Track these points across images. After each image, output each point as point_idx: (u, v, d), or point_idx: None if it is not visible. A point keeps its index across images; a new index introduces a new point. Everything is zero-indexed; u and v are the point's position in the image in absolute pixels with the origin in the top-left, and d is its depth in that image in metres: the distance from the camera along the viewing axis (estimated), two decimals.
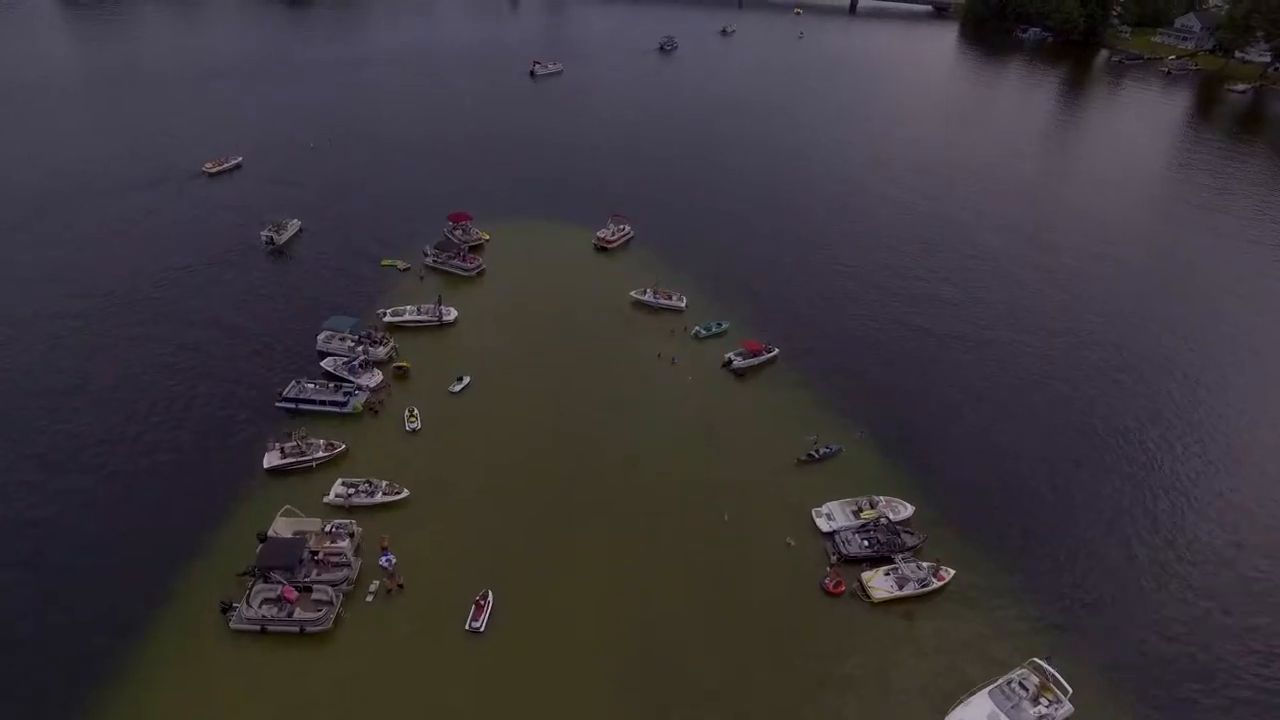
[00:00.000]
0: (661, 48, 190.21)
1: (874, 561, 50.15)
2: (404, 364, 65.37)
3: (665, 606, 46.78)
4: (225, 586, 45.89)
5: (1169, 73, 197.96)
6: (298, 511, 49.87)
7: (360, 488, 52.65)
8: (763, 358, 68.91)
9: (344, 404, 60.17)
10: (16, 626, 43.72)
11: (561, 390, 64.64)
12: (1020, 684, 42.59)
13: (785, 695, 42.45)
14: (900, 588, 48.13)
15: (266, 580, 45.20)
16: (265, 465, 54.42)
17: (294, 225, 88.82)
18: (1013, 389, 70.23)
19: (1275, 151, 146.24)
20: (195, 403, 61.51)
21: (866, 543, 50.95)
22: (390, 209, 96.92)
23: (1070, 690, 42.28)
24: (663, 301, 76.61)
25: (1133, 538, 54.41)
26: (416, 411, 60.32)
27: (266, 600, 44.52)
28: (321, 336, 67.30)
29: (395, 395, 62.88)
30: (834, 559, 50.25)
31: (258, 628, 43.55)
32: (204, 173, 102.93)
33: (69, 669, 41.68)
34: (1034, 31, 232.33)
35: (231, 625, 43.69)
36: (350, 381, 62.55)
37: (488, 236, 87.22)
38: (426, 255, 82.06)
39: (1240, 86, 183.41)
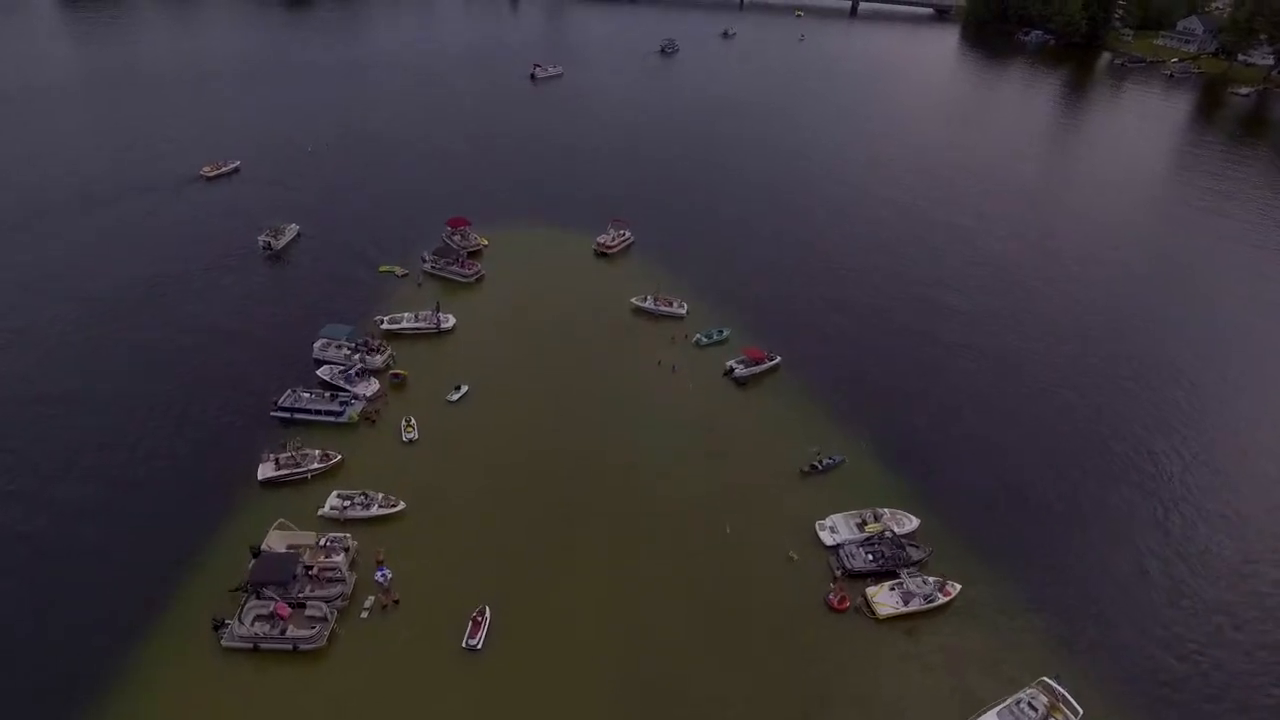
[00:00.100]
0: (662, 50, 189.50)
1: (878, 576, 49.21)
2: (401, 372, 64.48)
3: (666, 624, 45.83)
4: (217, 602, 44.95)
5: (1171, 76, 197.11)
6: (291, 525, 48.97)
7: (356, 500, 51.76)
8: (764, 366, 68.01)
9: (340, 413, 59.31)
10: (2, 642, 42.84)
11: (560, 400, 63.76)
12: (1029, 704, 41.63)
13: (789, 715, 41.48)
14: (906, 604, 47.18)
15: (259, 596, 44.27)
16: (259, 477, 53.53)
17: (292, 230, 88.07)
18: (1018, 396, 69.33)
19: (1279, 155, 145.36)
20: (190, 411, 60.75)
21: (871, 557, 50.03)
22: (389, 213, 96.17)
23: (1080, 711, 41.38)
24: (663, 308, 75.73)
25: (1143, 550, 53.48)
26: (414, 421, 59.42)
27: (259, 617, 43.60)
28: (318, 344, 66.42)
29: (392, 404, 62.01)
30: (838, 574, 49.30)
31: (250, 646, 42.62)
32: (202, 176, 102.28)
33: (55, 689, 40.73)
34: (1036, 34, 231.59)
35: (223, 643, 42.75)
36: (347, 391, 61.69)
37: (486, 242, 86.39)
38: (425, 261, 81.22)
39: (1244, 90, 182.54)
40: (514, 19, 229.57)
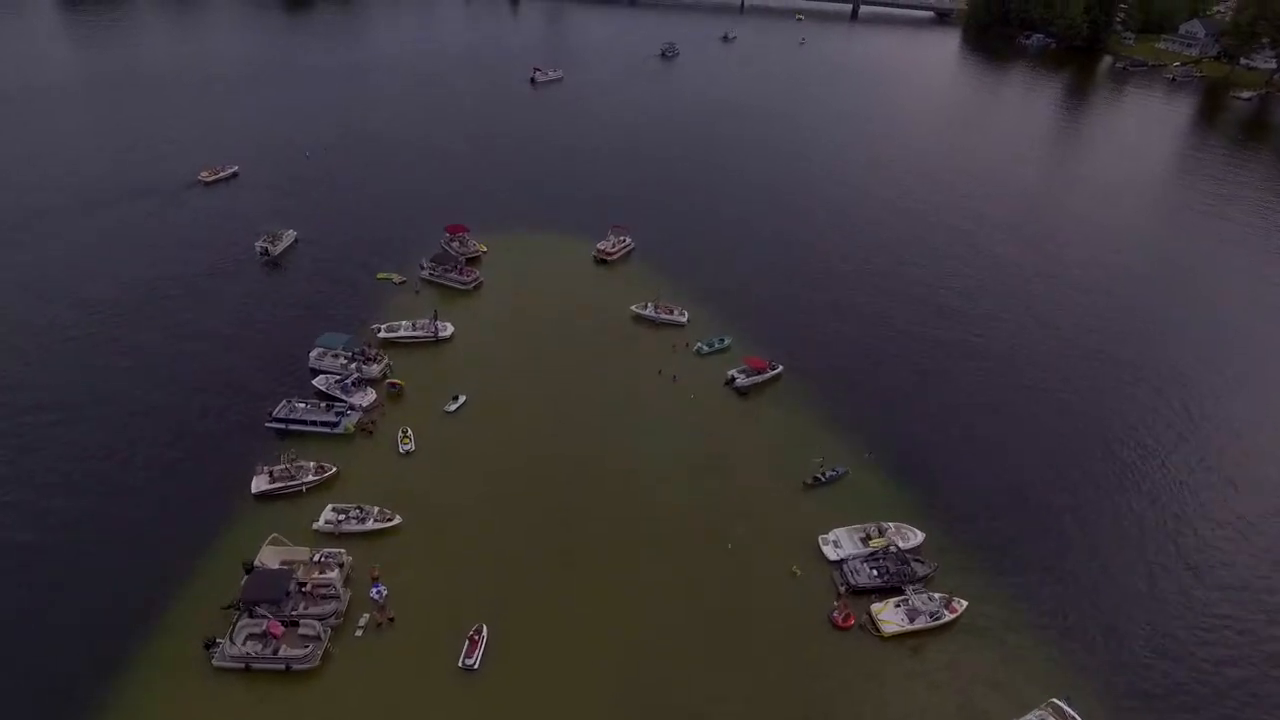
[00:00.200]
0: (663, 54, 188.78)
1: (883, 593, 48.31)
2: (398, 382, 63.64)
3: (666, 643, 44.91)
4: (209, 620, 44.12)
5: (1173, 79, 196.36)
6: (285, 540, 48.10)
7: (351, 514, 50.89)
8: (766, 375, 67.14)
9: (336, 424, 58.47)
10: None
11: (559, 410, 62.90)
12: None
13: None
14: (911, 621, 46.28)
15: (251, 615, 43.37)
16: (253, 490, 52.67)
17: (290, 236, 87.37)
18: (1025, 404, 68.47)
19: None
20: (185, 420, 60.02)
21: (876, 572, 49.14)
22: (387, 218, 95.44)
23: None
24: (664, 316, 74.89)
25: (1152, 562, 52.53)
26: (410, 432, 58.56)
27: (251, 636, 42.72)
28: (314, 354, 65.64)
29: (389, 415, 61.15)
30: (842, 590, 48.41)
31: (242, 665, 41.73)
32: (200, 181, 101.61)
33: (42, 708, 39.88)
34: (1037, 38, 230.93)
35: (214, 663, 41.87)
36: (343, 401, 60.83)
37: (485, 249, 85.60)
38: (423, 268, 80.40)
39: (1246, 93, 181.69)
40: (514, 22, 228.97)
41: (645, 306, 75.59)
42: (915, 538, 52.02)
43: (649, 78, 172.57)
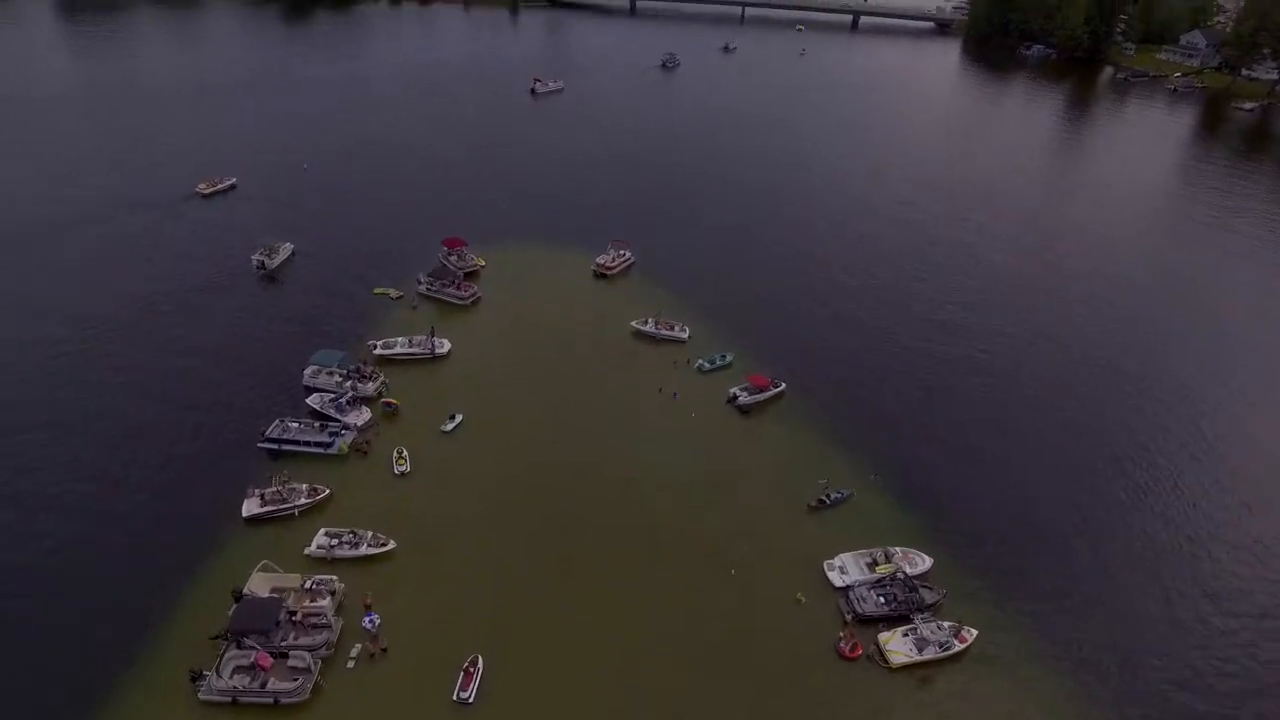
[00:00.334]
0: (663, 65, 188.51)
1: (891, 621, 46.94)
2: (393, 401, 62.40)
3: (667, 674, 43.56)
4: (196, 650, 42.78)
5: (1175, 90, 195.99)
6: (276, 567, 46.77)
7: (344, 538, 49.60)
8: (769, 393, 65.91)
9: (330, 445, 57.23)
10: None
11: (558, 430, 61.63)
12: None
13: None
14: (920, 651, 44.91)
15: (239, 646, 42.02)
16: (244, 513, 51.39)
17: (286, 249, 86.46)
18: (1031, 421, 67.22)
19: None
20: (176, 440, 58.84)
21: (883, 599, 47.78)
22: (386, 231, 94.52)
23: None
24: (664, 332, 73.74)
25: (1170, 590, 51.02)
26: (406, 452, 57.31)
27: (239, 668, 41.36)
28: (308, 371, 64.51)
29: (384, 434, 59.92)
30: (849, 618, 47.03)
31: (229, 699, 40.36)
32: (198, 193, 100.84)
33: None
34: (1038, 48, 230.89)
35: (200, 696, 40.52)
36: (337, 420, 59.60)
37: (483, 262, 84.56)
38: (420, 283, 79.33)
39: (1248, 104, 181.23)
40: (514, 32, 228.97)
41: (646, 322, 74.47)
42: (923, 563, 50.68)
43: (650, 88, 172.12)
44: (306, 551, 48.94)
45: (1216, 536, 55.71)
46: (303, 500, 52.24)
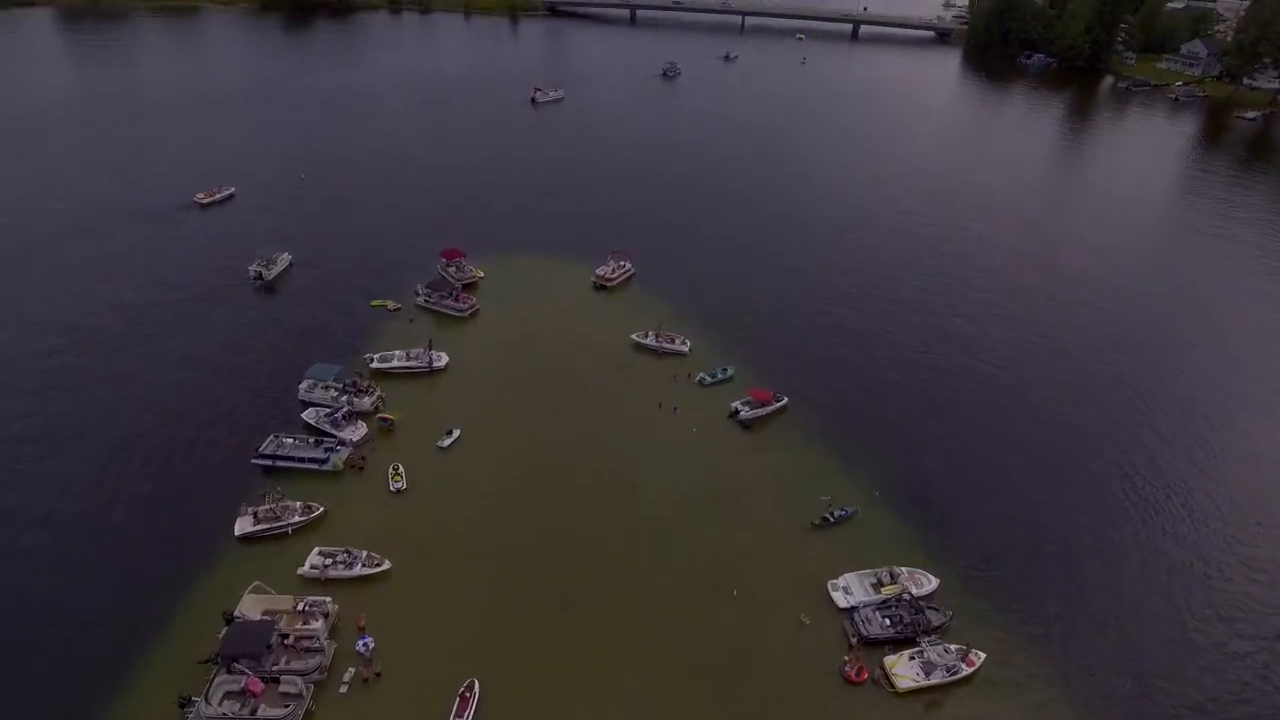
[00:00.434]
0: (664, 74, 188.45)
1: (896, 644, 45.85)
2: (390, 416, 61.43)
3: (669, 698, 42.44)
4: (185, 674, 41.73)
5: (1176, 99, 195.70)
6: (267, 588, 45.79)
7: (338, 558, 48.61)
8: (771, 407, 64.94)
9: (324, 461, 56.28)
10: None
11: (556, 446, 60.63)
12: None
13: None
14: (927, 675, 43.83)
15: (230, 671, 40.99)
16: (237, 532, 50.44)
17: (284, 260, 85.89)
18: (1038, 434, 66.19)
19: None
20: (170, 455, 58.17)
21: (889, 621, 46.70)
22: (384, 241, 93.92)
23: None
24: (665, 345, 72.86)
25: (1184, 612, 49.83)
26: (402, 469, 56.35)
27: (229, 694, 40.31)
28: (303, 386, 63.66)
29: (380, 450, 58.95)
30: (854, 641, 45.94)
31: None
32: (196, 203, 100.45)
33: None
34: (1038, 58, 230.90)
35: None
36: (332, 436, 58.66)
37: (482, 274, 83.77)
38: (418, 295, 78.56)
39: (1250, 113, 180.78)
40: (514, 42, 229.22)
41: (646, 335, 73.62)
42: (929, 583, 49.60)
43: (650, 97, 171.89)
44: (300, 571, 47.97)
45: (1229, 555, 54.59)
46: (296, 518, 51.29)
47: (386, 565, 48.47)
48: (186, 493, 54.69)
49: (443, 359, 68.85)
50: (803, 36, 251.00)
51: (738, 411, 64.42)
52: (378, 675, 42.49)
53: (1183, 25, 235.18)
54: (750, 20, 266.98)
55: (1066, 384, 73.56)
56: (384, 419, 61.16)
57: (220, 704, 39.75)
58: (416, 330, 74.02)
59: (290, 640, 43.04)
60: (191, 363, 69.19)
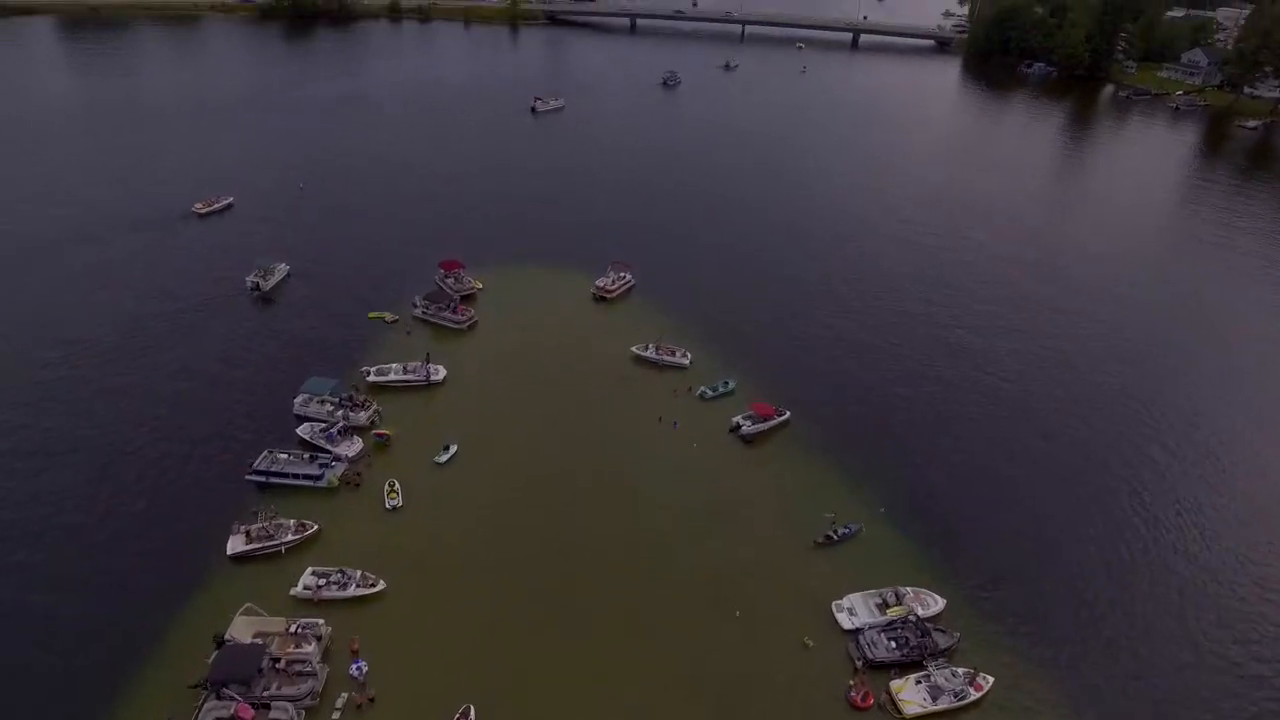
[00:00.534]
0: (664, 83, 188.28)
1: (903, 667, 44.80)
2: (385, 432, 60.46)
3: None
4: (176, 698, 40.80)
5: (1177, 108, 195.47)
6: (259, 610, 44.77)
7: (332, 578, 47.62)
8: (773, 422, 63.99)
9: (319, 477, 55.32)
10: None
11: (555, 462, 59.65)
12: None
13: None
14: (934, 700, 42.79)
15: (219, 696, 39.94)
16: (229, 551, 49.46)
17: (282, 270, 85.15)
18: (1044, 448, 65.28)
19: None
20: (164, 470, 57.31)
21: (894, 644, 45.65)
22: (382, 252, 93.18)
23: None
24: (666, 358, 71.98)
25: (1196, 632, 48.81)
26: (398, 485, 55.36)
27: None
28: (299, 400, 62.74)
29: (376, 466, 57.96)
30: (859, 664, 44.89)
31: None
32: (194, 213, 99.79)
33: None
34: (1039, 66, 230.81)
35: None
36: (327, 452, 57.71)
37: (481, 285, 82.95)
38: (416, 307, 77.75)
39: (1251, 122, 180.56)
40: (514, 50, 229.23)
41: (646, 348, 72.75)
42: (935, 604, 48.61)
43: (651, 106, 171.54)
44: (293, 592, 46.97)
45: (1241, 574, 53.55)
46: (290, 537, 50.31)
47: (381, 585, 47.47)
48: (179, 509, 53.74)
49: (440, 372, 67.97)
50: (803, 45, 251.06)
51: (739, 426, 63.49)
52: (371, 700, 41.46)
53: (1183, 34, 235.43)
54: (750, 29, 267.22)
55: (1073, 397, 72.70)
56: (379, 435, 60.18)
57: None
58: (414, 343, 73.19)
59: (281, 664, 42.05)
60: (187, 375, 68.37)
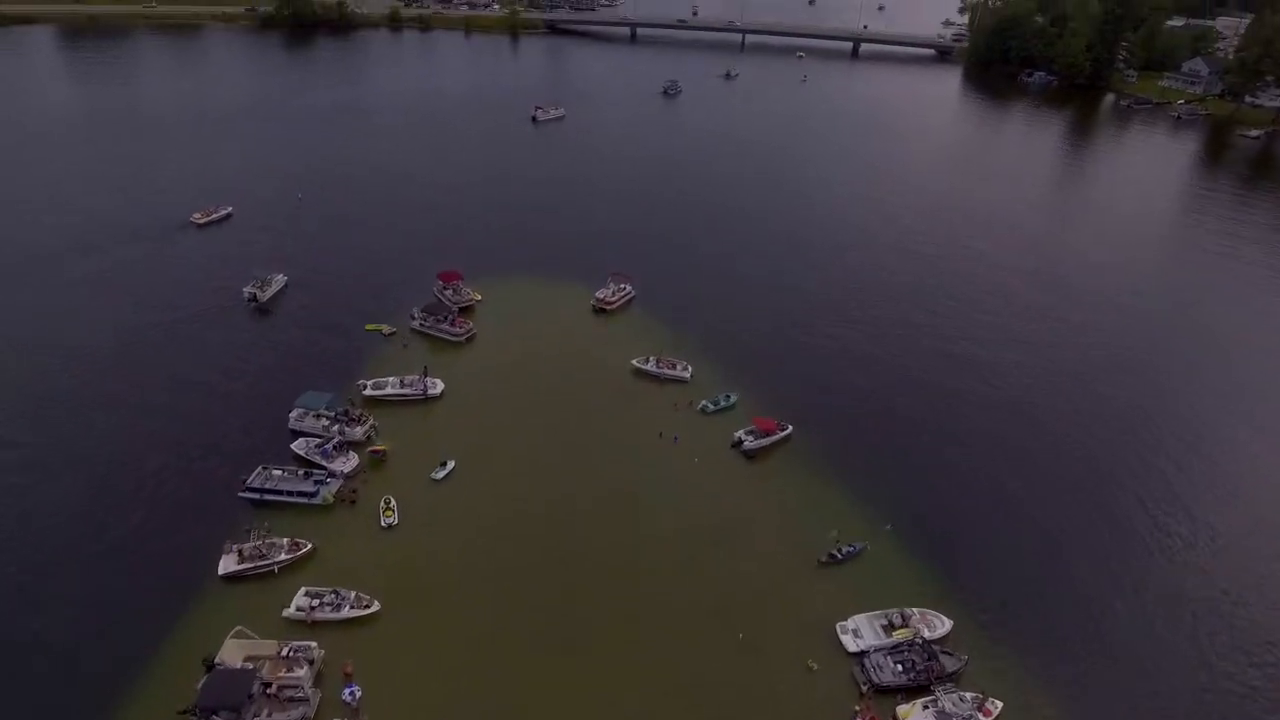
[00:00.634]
0: (665, 92, 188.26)
1: (909, 691, 43.72)
2: (381, 448, 59.50)
3: None
4: None
5: (1179, 118, 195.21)
6: (250, 633, 43.71)
7: (325, 599, 46.61)
8: (776, 437, 63.04)
9: (314, 494, 54.36)
10: None
11: (554, 478, 58.65)
12: None
13: None
14: None
15: None
16: (221, 571, 48.50)
17: (279, 281, 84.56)
18: (1052, 462, 64.30)
19: None
20: (157, 485, 56.59)
21: (901, 667, 44.57)
22: (381, 262, 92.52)
23: None
24: (666, 371, 71.11)
25: (1210, 653, 47.67)
26: (394, 503, 54.39)
27: None
28: (294, 414, 61.85)
29: (371, 483, 56.98)
30: (865, 689, 43.81)
31: None
32: (192, 223, 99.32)
33: None
34: (1039, 75, 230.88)
35: None
36: (322, 468, 56.76)
37: (479, 297, 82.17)
38: (414, 319, 76.95)
39: (1253, 132, 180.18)
40: (515, 59, 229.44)
41: (646, 361, 71.87)
42: (942, 626, 47.55)
43: (652, 116, 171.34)
44: (285, 613, 45.97)
45: (1254, 592, 52.44)
46: (283, 556, 49.36)
47: (376, 607, 46.46)
48: (171, 527, 52.80)
49: (438, 386, 67.10)
50: (803, 54, 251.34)
51: (741, 441, 62.54)
52: None
53: (1183, 43, 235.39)
54: (751, 38, 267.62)
55: (1076, 408, 71.83)
56: (375, 451, 59.20)
57: None
58: (411, 356, 72.35)
59: (272, 689, 41.02)
60: (182, 387, 67.68)
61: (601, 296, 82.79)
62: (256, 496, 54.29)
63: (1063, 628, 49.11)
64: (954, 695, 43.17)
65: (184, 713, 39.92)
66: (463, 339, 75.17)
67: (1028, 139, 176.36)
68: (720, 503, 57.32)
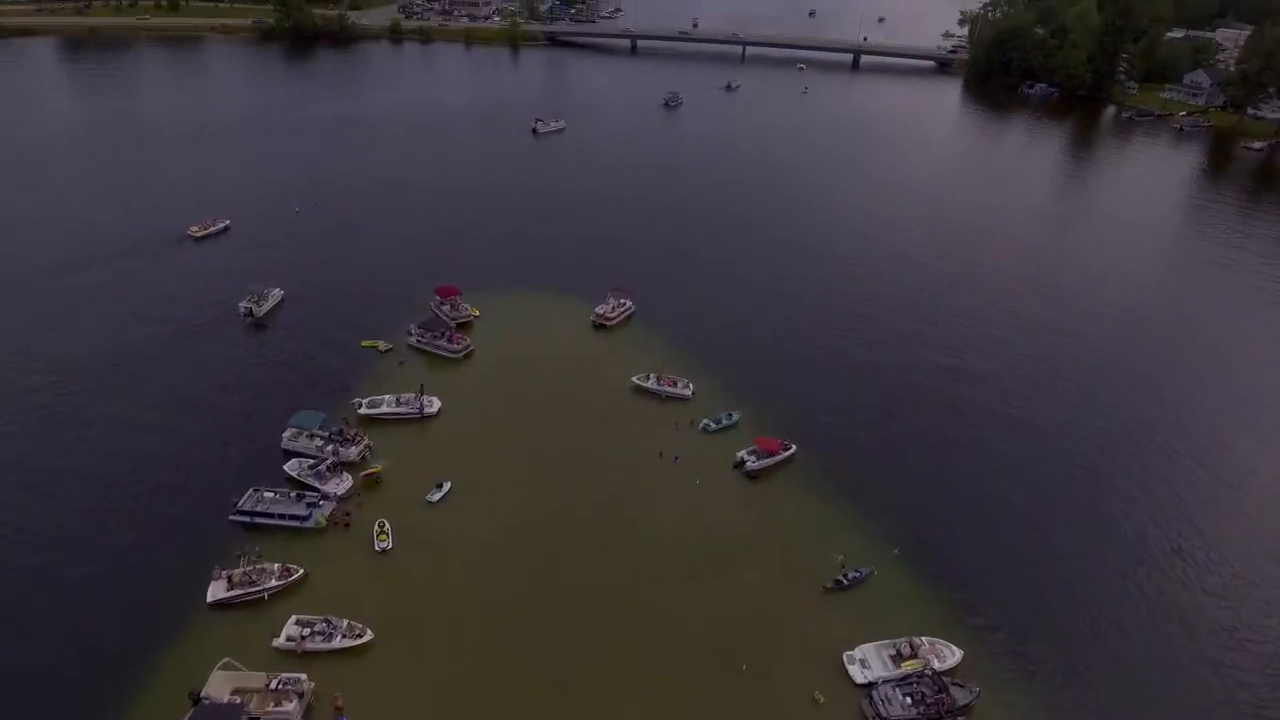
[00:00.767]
0: (666, 104, 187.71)
1: None
2: (375, 470, 58.16)
3: None
4: None
5: (1181, 129, 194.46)
6: (238, 665, 42.37)
7: (316, 628, 45.27)
8: (779, 457, 61.75)
9: (306, 517, 53.07)
10: None
11: (552, 501, 57.34)
12: None
13: None
14: None
15: None
16: (209, 598, 47.21)
17: (276, 295, 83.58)
18: (1063, 481, 63.09)
19: None
20: (148, 505, 55.62)
21: (910, 700, 43.13)
22: (379, 277, 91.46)
23: None
24: (667, 389, 69.89)
25: (1233, 681, 46.20)
26: (388, 526, 53.09)
27: None
28: (287, 434, 60.69)
29: (366, 505, 55.69)
30: None
31: None
32: (190, 236, 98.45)
33: None
34: (1040, 87, 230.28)
35: None
36: (315, 491, 55.47)
37: (477, 312, 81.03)
38: (410, 335, 75.82)
39: (1256, 144, 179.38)
40: (515, 71, 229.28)
41: (647, 378, 70.67)
42: (953, 656, 46.13)
43: (652, 128, 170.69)
44: (275, 643, 44.64)
45: (1269, 608, 51.03)
46: (274, 582, 48.08)
47: (369, 636, 45.12)
48: (159, 551, 51.68)
49: (434, 404, 65.90)
50: (803, 66, 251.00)
51: (743, 461, 61.25)
52: None
53: (1184, 55, 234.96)
54: (751, 50, 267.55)
55: (1085, 421, 70.67)
56: (369, 474, 57.87)
57: None
58: (407, 373, 71.19)
59: None
60: (175, 404, 66.76)
61: (601, 312, 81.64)
62: (247, 520, 53.05)
63: (1076, 656, 47.69)
64: None
65: None
66: (460, 355, 74.04)
67: (1029, 151, 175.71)
68: (722, 526, 56.00)
